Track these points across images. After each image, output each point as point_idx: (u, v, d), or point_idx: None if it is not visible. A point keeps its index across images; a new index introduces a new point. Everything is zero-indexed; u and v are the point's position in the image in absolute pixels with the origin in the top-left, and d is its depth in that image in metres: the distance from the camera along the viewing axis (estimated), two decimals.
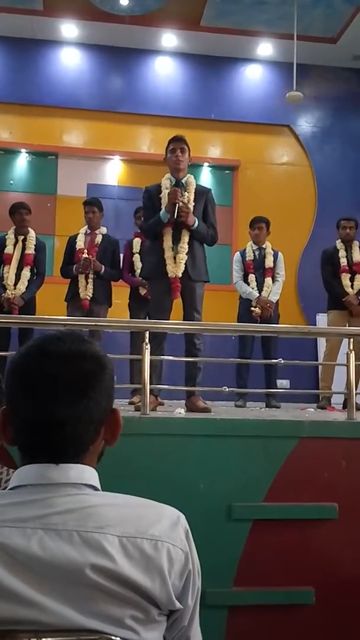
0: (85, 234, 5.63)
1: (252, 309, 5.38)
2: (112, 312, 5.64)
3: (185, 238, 4.25)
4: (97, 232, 5.63)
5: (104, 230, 5.70)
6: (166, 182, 4.40)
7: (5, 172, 7.79)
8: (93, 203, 5.69)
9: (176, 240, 4.26)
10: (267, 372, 5.47)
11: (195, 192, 4.37)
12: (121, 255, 5.72)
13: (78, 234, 5.65)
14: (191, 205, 4.31)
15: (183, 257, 4.22)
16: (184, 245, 4.23)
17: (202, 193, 4.43)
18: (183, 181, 4.38)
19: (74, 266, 5.42)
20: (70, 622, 0.92)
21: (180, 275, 4.21)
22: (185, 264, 4.23)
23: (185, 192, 4.32)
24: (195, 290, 4.30)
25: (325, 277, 5.65)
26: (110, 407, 1.09)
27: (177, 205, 4.18)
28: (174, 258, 4.23)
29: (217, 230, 4.50)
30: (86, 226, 5.68)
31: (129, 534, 0.97)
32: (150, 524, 1.00)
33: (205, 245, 4.45)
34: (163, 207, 4.29)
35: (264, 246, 5.69)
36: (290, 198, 7.97)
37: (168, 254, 4.24)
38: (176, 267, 4.20)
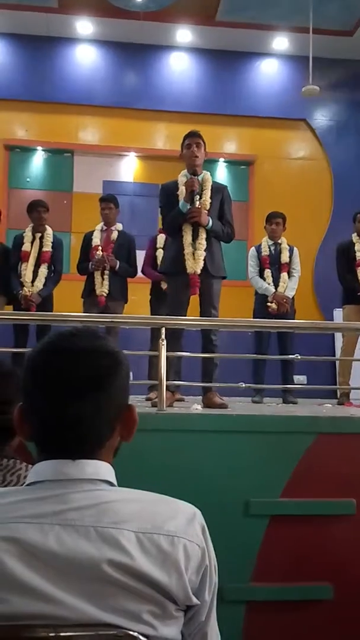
0: (101, 230, 5.65)
1: (269, 304, 5.36)
2: (129, 308, 5.65)
3: (203, 234, 4.25)
4: (112, 228, 5.64)
5: (119, 226, 5.71)
6: (182, 178, 4.40)
7: (21, 170, 7.83)
8: (109, 199, 5.71)
9: (195, 236, 4.26)
10: (283, 367, 5.45)
11: (211, 189, 4.37)
12: (138, 252, 5.73)
13: (94, 230, 5.66)
14: (208, 202, 4.31)
15: (202, 253, 4.22)
16: (202, 242, 4.24)
17: (218, 190, 4.43)
18: (200, 177, 4.38)
19: (90, 263, 5.44)
20: (88, 617, 0.93)
21: (199, 271, 4.21)
22: (204, 260, 4.23)
23: (202, 193, 4.31)
24: (213, 286, 4.31)
25: (340, 271, 5.61)
26: (126, 403, 1.10)
27: (194, 192, 4.18)
28: (193, 254, 4.23)
29: (234, 227, 4.49)
30: (102, 223, 5.69)
31: (146, 529, 0.98)
32: (166, 520, 1.00)
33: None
34: (181, 200, 4.29)
35: (279, 241, 5.66)
36: (306, 192, 7.92)
37: (187, 250, 4.24)
38: (195, 263, 4.21)
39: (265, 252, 5.63)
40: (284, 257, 5.58)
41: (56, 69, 7.86)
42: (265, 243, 5.68)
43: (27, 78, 7.79)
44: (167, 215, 4.42)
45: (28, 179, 7.82)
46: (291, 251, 5.65)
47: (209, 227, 4.26)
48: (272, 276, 5.52)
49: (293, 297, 5.53)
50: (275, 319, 5.31)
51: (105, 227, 5.66)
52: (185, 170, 4.43)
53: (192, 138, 4.36)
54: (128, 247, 5.62)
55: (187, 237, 4.26)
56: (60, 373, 1.02)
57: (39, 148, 7.85)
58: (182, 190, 4.33)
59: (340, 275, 5.61)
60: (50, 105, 7.78)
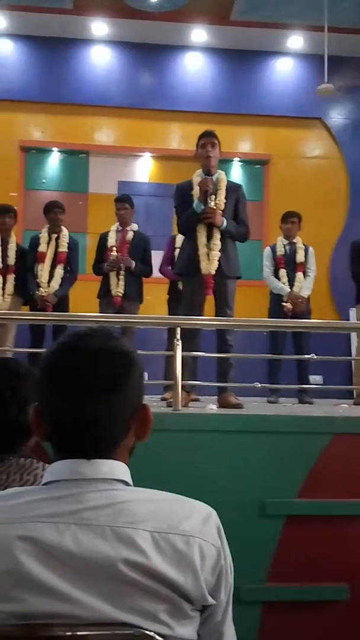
0: (117, 230, 5.66)
1: (284, 304, 5.34)
2: (144, 308, 5.66)
3: (217, 235, 4.25)
4: (128, 228, 5.66)
5: (135, 226, 5.72)
6: (197, 178, 4.40)
7: (37, 171, 7.87)
8: (125, 200, 5.72)
9: (209, 237, 4.26)
10: (299, 367, 5.42)
11: (226, 189, 4.36)
12: (153, 252, 5.73)
13: (109, 231, 5.68)
14: (222, 202, 4.30)
15: (216, 254, 4.21)
16: (217, 242, 4.23)
17: (233, 189, 4.42)
18: (214, 177, 4.38)
19: (105, 263, 5.46)
20: (105, 616, 0.93)
21: (213, 272, 4.21)
22: (219, 260, 4.22)
23: (216, 192, 4.30)
24: (228, 286, 4.30)
25: (353, 269, 5.55)
26: (141, 402, 1.10)
27: (208, 192, 4.18)
28: (208, 255, 4.22)
29: (249, 226, 4.48)
30: (117, 223, 5.70)
31: (161, 529, 0.98)
32: (182, 520, 1.00)
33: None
34: (195, 200, 4.29)
35: (294, 241, 5.64)
36: (322, 191, 7.89)
37: (202, 251, 4.24)
38: (210, 264, 4.20)
39: (280, 251, 5.60)
40: (299, 257, 5.55)
41: (71, 70, 7.90)
42: (280, 243, 5.66)
43: (42, 80, 7.83)
44: (181, 216, 4.42)
45: (44, 180, 7.87)
46: (306, 251, 5.62)
47: (223, 228, 4.25)
48: (287, 276, 5.50)
49: (308, 297, 5.50)
50: (290, 319, 5.29)
51: (120, 228, 5.67)
52: (200, 170, 4.42)
53: (207, 138, 4.36)
54: (144, 247, 5.63)
55: (202, 238, 4.26)
56: (75, 373, 1.03)
57: (55, 149, 7.89)
58: (196, 191, 4.33)
59: (354, 274, 5.54)
60: (65, 106, 7.81)
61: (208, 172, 4.32)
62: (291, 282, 5.46)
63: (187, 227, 4.37)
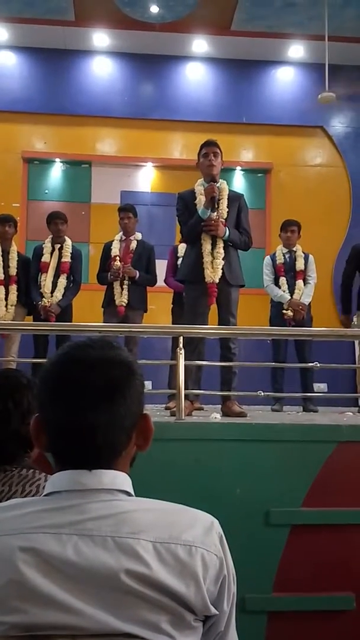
0: (120, 240, 5.67)
1: (284, 312, 5.34)
2: (148, 317, 5.66)
3: (220, 244, 4.27)
4: (132, 238, 5.67)
5: (139, 236, 5.74)
6: (199, 187, 4.41)
7: (40, 182, 7.90)
8: (128, 209, 5.74)
9: (213, 246, 4.27)
10: (302, 375, 5.42)
11: (228, 198, 4.38)
12: (163, 262, 5.74)
13: (113, 240, 5.70)
14: (225, 212, 4.32)
15: (220, 262, 4.23)
16: (220, 251, 4.25)
17: (234, 198, 4.44)
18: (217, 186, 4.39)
19: (108, 273, 5.47)
20: (108, 627, 0.93)
21: (217, 280, 4.22)
22: (222, 268, 4.24)
23: (219, 201, 4.31)
24: (231, 294, 4.31)
25: (348, 272, 5.46)
26: (141, 412, 1.10)
27: (215, 198, 4.20)
28: (212, 263, 4.24)
29: (251, 235, 4.50)
30: (121, 232, 5.72)
31: (163, 539, 0.97)
32: (184, 530, 1.00)
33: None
34: (200, 208, 4.31)
35: (294, 249, 5.65)
36: (324, 199, 7.90)
37: (206, 259, 4.25)
38: (213, 273, 4.22)
39: (280, 260, 5.61)
40: (299, 265, 5.55)
41: (73, 81, 7.94)
42: (280, 251, 5.66)
43: (44, 91, 7.87)
44: (185, 223, 4.43)
45: (47, 191, 7.90)
46: (306, 258, 5.62)
47: (225, 238, 4.27)
48: (287, 283, 5.50)
49: (309, 304, 5.50)
50: (292, 326, 5.28)
51: (124, 237, 5.68)
52: (201, 180, 4.44)
53: (209, 147, 4.37)
54: (147, 257, 5.64)
55: (206, 246, 4.28)
56: (75, 383, 1.03)
57: (57, 160, 7.92)
58: (200, 200, 4.34)
59: (347, 276, 5.48)
60: (68, 117, 7.85)
61: (212, 180, 4.34)
62: (291, 289, 5.46)
63: (192, 234, 4.38)
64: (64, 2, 7.16)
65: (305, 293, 5.46)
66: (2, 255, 5.56)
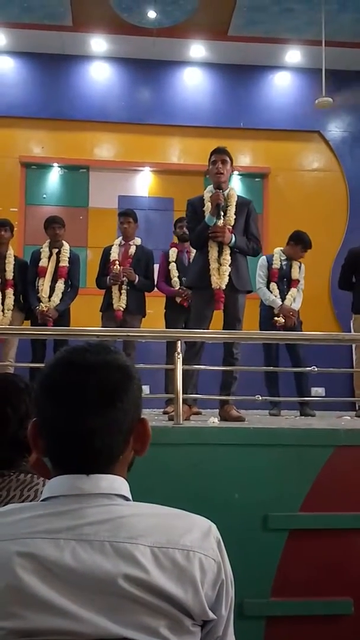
0: (119, 245, 5.68)
1: (276, 319, 5.31)
2: (146, 322, 5.67)
3: (227, 250, 4.31)
4: (131, 242, 5.68)
5: (138, 241, 5.75)
6: (208, 194, 4.45)
7: (38, 187, 7.91)
8: (128, 214, 5.75)
9: (220, 252, 4.30)
10: (297, 378, 5.39)
11: (236, 205, 4.41)
12: (155, 266, 5.75)
13: (112, 244, 5.70)
14: (232, 219, 4.34)
15: (226, 269, 4.26)
16: (227, 257, 4.28)
17: (243, 204, 4.48)
18: (225, 193, 4.42)
19: (108, 277, 5.48)
20: (106, 632, 0.92)
21: (224, 286, 4.24)
22: (229, 274, 4.26)
23: (227, 209, 4.33)
24: (238, 300, 4.35)
25: (344, 275, 5.47)
26: (139, 416, 1.10)
27: (220, 205, 4.23)
28: (218, 270, 4.26)
29: (260, 241, 4.56)
30: (120, 237, 5.73)
31: (161, 544, 0.97)
32: (182, 534, 1.00)
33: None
34: (207, 214, 4.35)
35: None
36: (321, 204, 7.92)
37: (213, 266, 4.29)
38: (220, 279, 4.24)
39: (276, 265, 5.56)
40: (295, 274, 5.53)
41: (71, 86, 7.96)
42: (278, 256, 5.61)
43: (42, 96, 7.89)
44: (193, 230, 4.46)
45: (44, 196, 7.90)
46: (300, 267, 5.61)
47: (232, 245, 4.29)
48: (278, 289, 5.47)
49: (298, 311, 5.49)
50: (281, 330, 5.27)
51: (123, 242, 5.69)
52: (211, 186, 4.47)
53: (218, 155, 4.41)
54: (146, 261, 5.65)
55: (213, 253, 4.31)
56: (72, 388, 1.03)
57: (55, 165, 7.93)
58: (207, 206, 4.38)
59: (343, 279, 5.49)
60: (65, 122, 7.87)
61: (219, 187, 4.37)
62: (282, 295, 5.43)
63: (199, 241, 4.41)
64: (61, 7, 7.18)
65: (296, 300, 5.45)
66: None
